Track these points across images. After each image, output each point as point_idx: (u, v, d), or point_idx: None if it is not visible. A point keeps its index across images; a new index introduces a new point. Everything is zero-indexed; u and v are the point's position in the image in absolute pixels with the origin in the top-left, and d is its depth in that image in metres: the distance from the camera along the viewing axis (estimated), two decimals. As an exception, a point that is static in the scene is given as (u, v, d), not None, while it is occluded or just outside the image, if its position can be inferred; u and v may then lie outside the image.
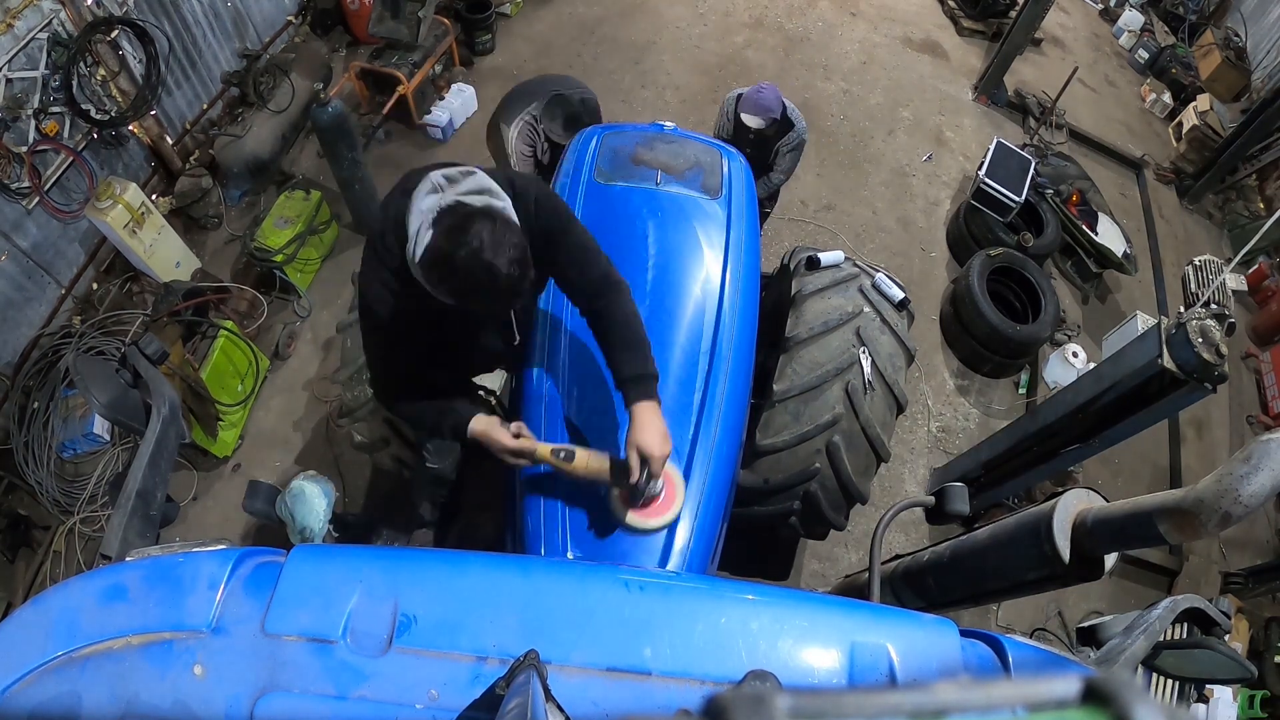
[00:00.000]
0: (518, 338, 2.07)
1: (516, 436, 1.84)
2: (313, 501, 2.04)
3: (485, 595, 1.20)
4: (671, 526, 1.89)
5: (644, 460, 1.73)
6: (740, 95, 3.67)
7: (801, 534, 3.23)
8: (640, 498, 1.83)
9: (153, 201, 4.13)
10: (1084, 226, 5.29)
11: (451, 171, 1.66)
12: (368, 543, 3.01)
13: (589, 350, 2.13)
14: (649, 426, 1.74)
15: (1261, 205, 6.58)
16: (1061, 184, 5.50)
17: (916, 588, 2.06)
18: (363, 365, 2.93)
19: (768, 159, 3.83)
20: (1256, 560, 4.42)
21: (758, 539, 3.21)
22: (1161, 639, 1.32)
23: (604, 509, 1.88)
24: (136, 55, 4.08)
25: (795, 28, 6.89)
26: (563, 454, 1.79)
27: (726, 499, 2.16)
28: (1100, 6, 8.49)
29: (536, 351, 2.23)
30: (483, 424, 1.87)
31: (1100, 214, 5.45)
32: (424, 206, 1.59)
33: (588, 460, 1.79)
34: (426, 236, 1.55)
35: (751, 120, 3.56)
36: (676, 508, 1.89)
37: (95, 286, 4.20)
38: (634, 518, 1.85)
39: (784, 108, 3.61)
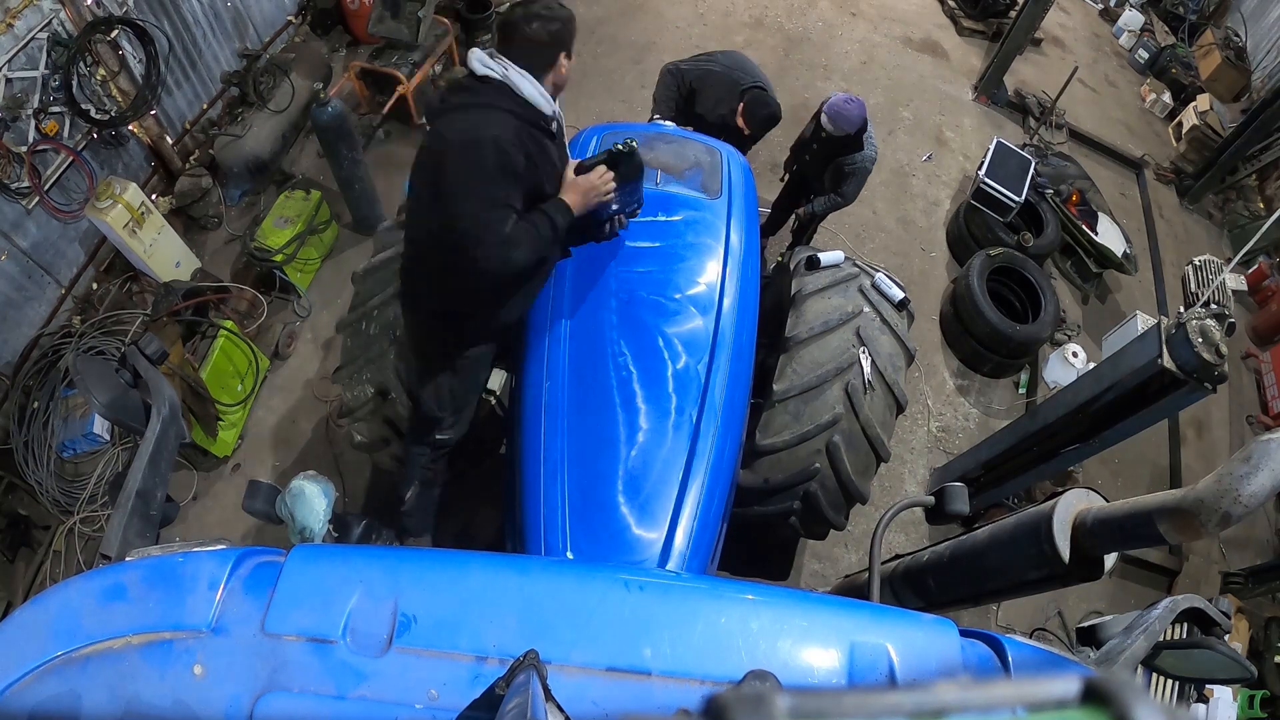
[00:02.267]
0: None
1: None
2: (313, 501, 2.04)
3: (485, 595, 1.20)
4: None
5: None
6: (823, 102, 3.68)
7: (801, 534, 3.23)
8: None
9: (153, 201, 4.13)
10: (1084, 226, 5.29)
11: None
12: (367, 542, 3.01)
13: (589, 352, 2.14)
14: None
15: (1261, 205, 6.58)
16: (1061, 184, 5.50)
17: (916, 588, 2.06)
18: (363, 364, 2.93)
19: (824, 169, 3.85)
20: (1256, 560, 4.42)
21: (758, 539, 3.21)
22: (1161, 639, 1.32)
23: (603, 508, 1.89)
24: (136, 55, 4.08)
25: (795, 28, 6.89)
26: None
27: (726, 499, 2.16)
28: (1100, 6, 8.49)
29: (536, 351, 2.23)
30: (573, 198, 2.10)
31: (1100, 214, 5.45)
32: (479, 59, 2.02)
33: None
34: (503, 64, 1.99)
35: (829, 124, 3.61)
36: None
37: (95, 286, 4.20)
38: None
39: (865, 128, 3.64)
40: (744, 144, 3.70)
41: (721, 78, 3.73)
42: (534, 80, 2.00)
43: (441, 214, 2.03)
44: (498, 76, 1.98)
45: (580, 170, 2.14)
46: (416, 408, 2.62)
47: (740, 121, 3.66)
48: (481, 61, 1.99)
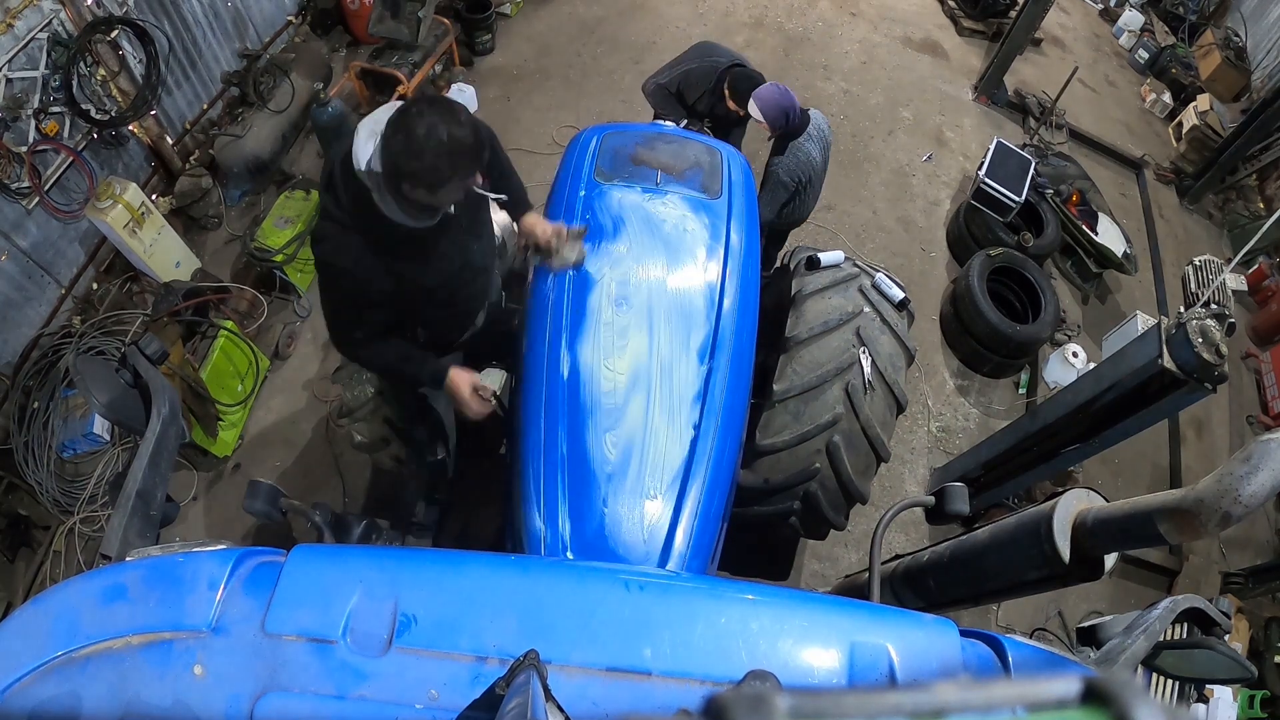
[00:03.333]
0: (479, 240, 2.26)
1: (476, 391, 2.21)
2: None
3: (485, 595, 1.20)
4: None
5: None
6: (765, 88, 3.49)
7: (801, 534, 3.23)
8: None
9: (153, 201, 4.13)
10: (1084, 226, 5.29)
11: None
12: (367, 543, 3.01)
13: (589, 351, 2.14)
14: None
15: (1261, 205, 6.58)
16: (1061, 184, 5.50)
17: (916, 588, 2.06)
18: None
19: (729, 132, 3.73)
20: (1256, 560, 4.42)
21: (758, 539, 3.21)
22: (1161, 639, 1.32)
23: (603, 508, 1.89)
24: (136, 55, 4.08)
25: (795, 28, 6.89)
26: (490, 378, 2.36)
27: (726, 499, 2.16)
28: (1100, 6, 8.49)
29: (536, 351, 2.23)
30: (456, 379, 2.18)
31: (1100, 214, 5.45)
32: (367, 129, 1.77)
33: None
34: (375, 143, 1.72)
35: (756, 114, 3.44)
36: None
37: (95, 286, 4.20)
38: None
39: (799, 115, 3.45)
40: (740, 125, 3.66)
41: (699, 71, 3.65)
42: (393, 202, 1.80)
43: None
44: (368, 186, 1.79)
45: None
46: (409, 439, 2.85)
47: (731, 105, 3.55)
48: (356, 154, 1.77)
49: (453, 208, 1.95)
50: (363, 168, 1.76)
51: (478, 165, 1.77)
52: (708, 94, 3.63)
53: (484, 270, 2.36)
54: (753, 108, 3.42)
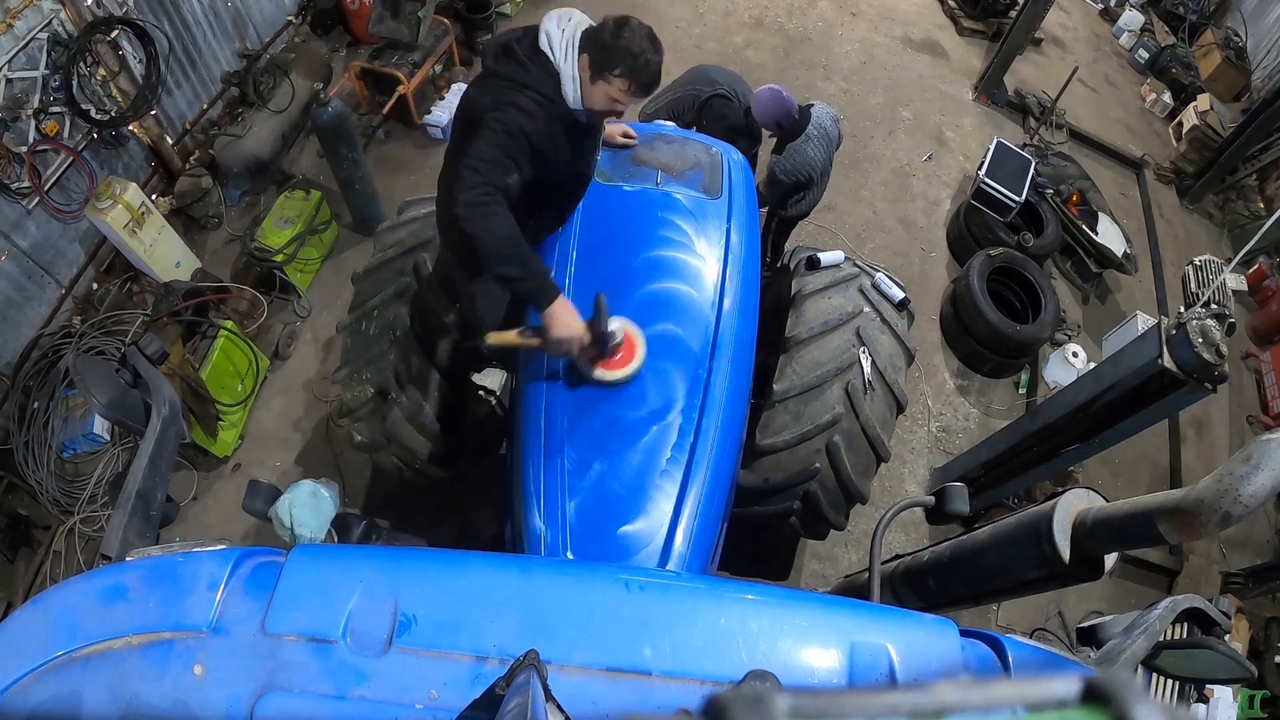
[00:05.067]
0: (597, 153, 2.44)
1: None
2: (321, 505, 2.04)
3: (485, 595, 1.20)
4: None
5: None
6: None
7: (801, 534, 3.23)
8: (603, 348, 2.04)
9: (153, 201, 4.13)
10: (1084, 226, 5.29)
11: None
12: (367, 543, 3.01)
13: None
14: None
15: (1261, 205, 6.58)
16: (1061, 184, 5.50)
17: (916, 588, 2.06)
18: (362, 365, 2.93)
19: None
20: (1256, 560, 4.42)
21: (758, 539, 3.21)
22: (1161, 639, 1.32)
23: (603, 508, 1.89)
24: (136, 55, 4.08)
25: (795, 28, 6.89)
26: (530, 332, 2.07)
27: (726, 499, 2.16)
28: (1100, 6, 8.49)
29: (535, 354, 2.23)
30: (564, 307, 2.01)
31: (1100, 214, 5.45)
32: (554, 22, 2.04)
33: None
34: (570, 33, 2.02)
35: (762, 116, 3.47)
36: (638, 357, 2.07)
37: (95, 286, 4.20)
38: (600, 371, 2.05)
39: (798, 114, 3.47)
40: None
41: (684, 99, 3.64)
42: (578, 78, 2.04)
43: (460, 149, 2.08)
44: (554, 62, 2.02)
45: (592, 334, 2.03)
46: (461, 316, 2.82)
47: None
48: (547, 35, 2.02)
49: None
50: (553, 50, 2.01)
51: (655, 88, 2.10)
52: (693, 122, 3.61)
53: (590, 179, 2.49)
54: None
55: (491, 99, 2.04)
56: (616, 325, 2.03)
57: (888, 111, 6.32)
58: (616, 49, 1.96)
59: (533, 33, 2.06)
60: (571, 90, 2.04)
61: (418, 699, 1.07)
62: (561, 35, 2.01)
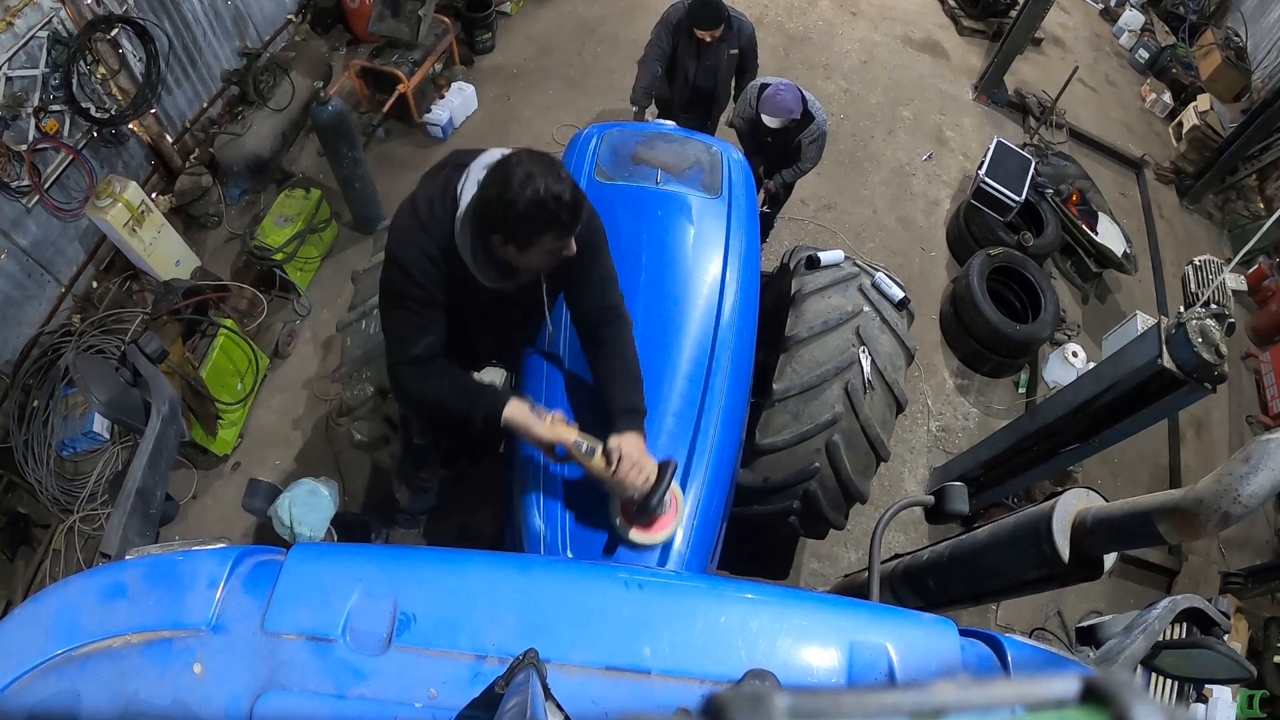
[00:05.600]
0: (548, 317, 1.98)
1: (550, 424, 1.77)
2: (322, 503, 2.04)
3: (485, 594, 1.20)
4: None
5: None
6: (762, 87, 3.67)
7: (801, 533, 3.23)
8: (647, 515, 1.78)
9: (152, 200, 4.13)
10: (1084, 226, 5.29)
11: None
12: (367, 542, 3.01)
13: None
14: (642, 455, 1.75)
15: (1261, 205, 6.58)
16: (1061, 184, 5.50)
17: (916, 587, 2.06)
18: (362, 363, 2.92)
19: (788, 151, 3.88)
20: (1256, 560, 4.42)
21: (758, 539, 3.21)
22: (1161, 639, 1.32)
23: (603, 510, 1.88)
24: (136, 53, 4.08)
25: (795, 27, 6.89)
26: (585, 447, 1.75)
27: (726, 499, 2.16)
28: (1100, 6, 8.48)
29: (536, 351, 2.23)
30: (519, 410, 1.77)
31: (1100, 214, 5.45)
32: (477, 173, 1.66)
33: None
34: (475, 189, 1.63)
35: (772, 121, 3.61)
36: (674, 527, 1.86)
37: (95, 285, 4.20)
38: (635, 533, 1.82)
39: (804, 103, 3.64)
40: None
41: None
42: (481, 260, 1.73)
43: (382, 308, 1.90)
44: (456, 234, 1.71)
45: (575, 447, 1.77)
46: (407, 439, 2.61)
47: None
48: (464, 197, 1.69)
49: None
50: (460, 211, 1.68)
51: (572, 229, 1.65)
52: (754, 114, 3.77)
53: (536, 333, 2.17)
54: (767, 119, 3.64)
55: (397, 244, 1.75)
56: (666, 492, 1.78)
57: (888, 111, 6.31)
58: (517, 216, 1.57)
59: (455, 180, 1.72)
60: (479, 269, 1.73)
61: (417, 698, 1.07)
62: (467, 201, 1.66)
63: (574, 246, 1.71)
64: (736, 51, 3.99)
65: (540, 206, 1.55)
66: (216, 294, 4.07)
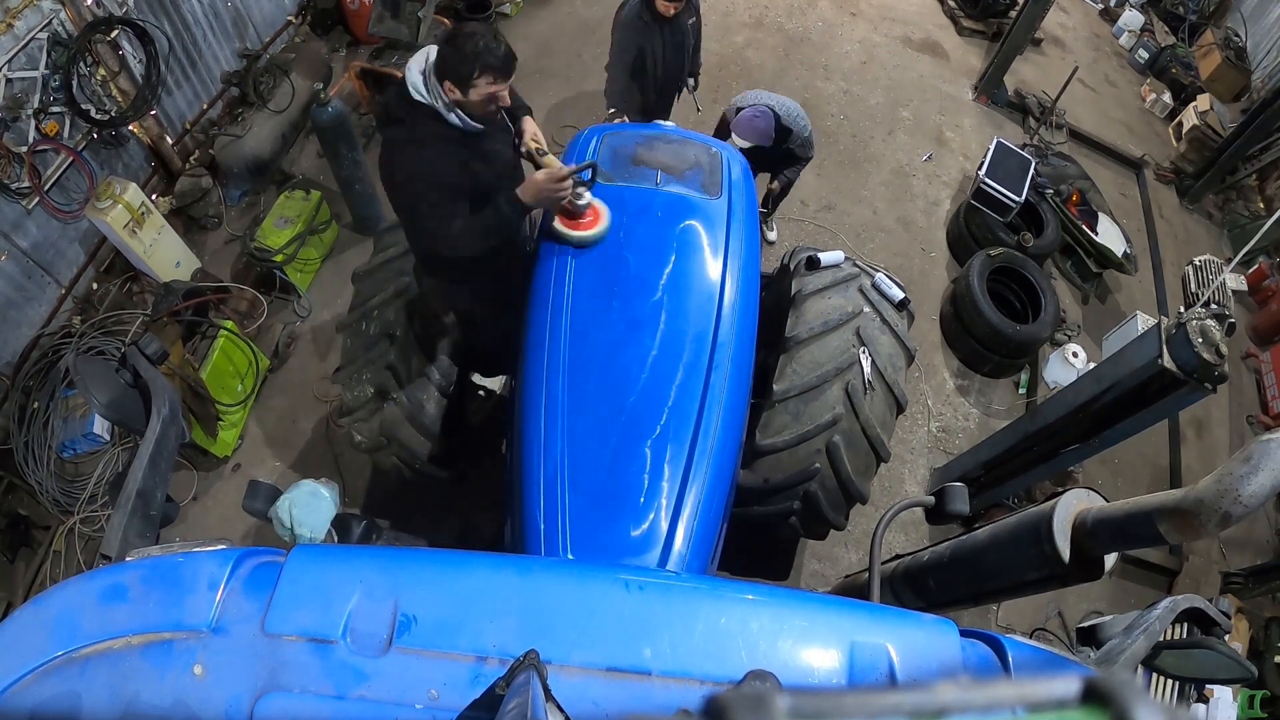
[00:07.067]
0: (510, 149, 2.57)
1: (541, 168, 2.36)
2: (323, 504, 2.04)
3: (485, 595, 1.20)
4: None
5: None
6: (739, 109, 3.78)
7: (801, 534, 3.23)
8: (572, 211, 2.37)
9: (153, 201, 4.13)
10: (1084, 226, 5.29)
11: None
12: (367, 542, 3.01)
13: (589, 351, 2.14)
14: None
15: (1261, 205, 6.58)
16: (1061, 184, 5.50)
17: (916, 588, 2.06)
18: (363, 364, 2.93)
19: (775, 156, 4.02)
20: (1256, 560, 4.41)
21: (758, 539, 3.21)
22: (1161, 639, 1.32)
23: (603, 508, 1.89)
24: (136, 55, 4.08)
25: (795, 28, 6.89)
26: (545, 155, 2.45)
27: (726, 499, 2.16)
28: (1100, 6, 8.49)
29: (536, 351, 2.23)
30: (525, 188, 2.31)
31: (1100, 214, 5.45)
32: (416, 66, 2.20)
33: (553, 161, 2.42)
34: (427, 70, 2.18)
35: (742, 143, 3.69)
36: (603, 223, 2.41)
37: (95, 286, 4.20)
38: (567, 231, 2.38)
39: (776, 129, 3.75)
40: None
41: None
42: (450, 102, 2.21)
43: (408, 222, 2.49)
44: (425, 102, 2.21)
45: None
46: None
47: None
48: (414, 87, 2.20)
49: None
50: (423, 93, 2.18)
51: (513, 66, 2.21)
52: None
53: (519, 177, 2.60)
54: (736, 139, 3.74)
55: (403, 171, 2.27)
56: (587, 197, 2.37)
57: (888, 111, 6.31)
58: (461, 60, 2.12)
59: (400, 87, 2.24)
60: (453, 116, 2.23)
61: (418, 699, 1.07)
62: (423, 78, 2.20)
63: (508, 98, 2.28)
64: (697, 18, 4.07)
65: (499, 46, 2.13)
66: (217, 295, 4.08)
